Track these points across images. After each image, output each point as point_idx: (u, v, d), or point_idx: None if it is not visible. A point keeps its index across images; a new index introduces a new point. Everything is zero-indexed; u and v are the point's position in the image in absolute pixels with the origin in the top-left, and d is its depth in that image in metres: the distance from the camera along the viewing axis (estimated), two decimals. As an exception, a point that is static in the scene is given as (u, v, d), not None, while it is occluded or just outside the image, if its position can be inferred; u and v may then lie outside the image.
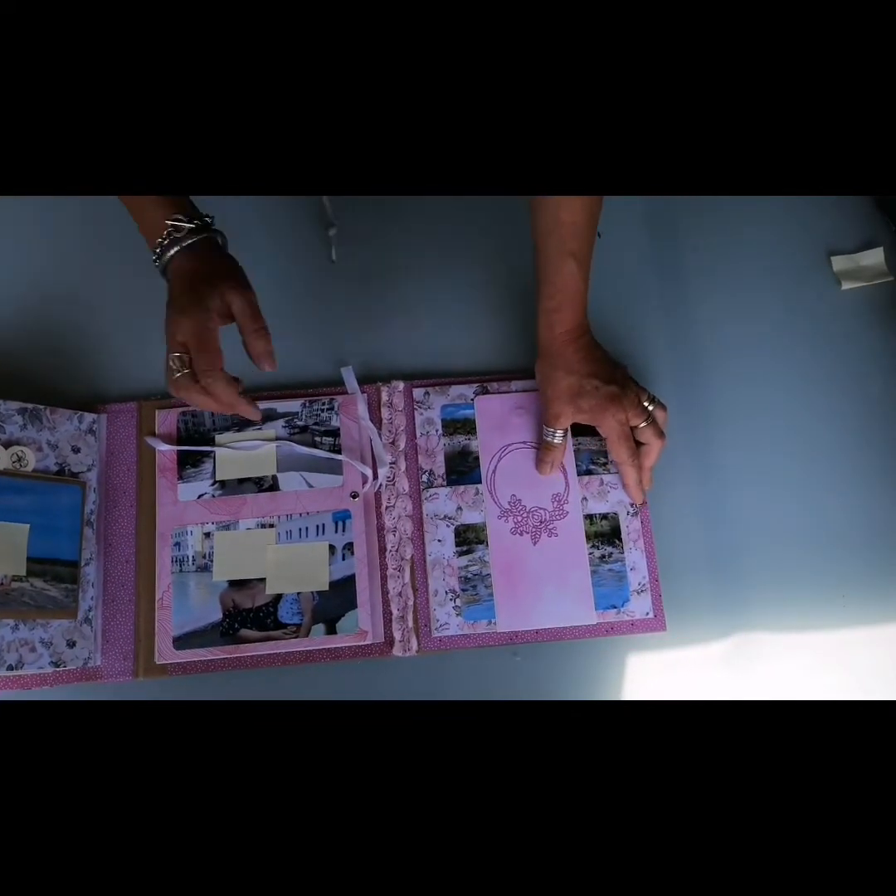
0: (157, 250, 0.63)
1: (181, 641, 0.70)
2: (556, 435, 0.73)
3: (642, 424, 0.71)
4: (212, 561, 0.72)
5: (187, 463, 0.74)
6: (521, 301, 0.82)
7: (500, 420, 0.76)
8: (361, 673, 0.71)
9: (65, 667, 0.67)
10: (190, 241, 0.63)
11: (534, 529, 0.74)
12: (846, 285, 0.84)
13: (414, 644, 0.71)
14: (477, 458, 0.76)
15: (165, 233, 0.63)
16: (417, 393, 0.77)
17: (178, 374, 0.61)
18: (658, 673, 0.72)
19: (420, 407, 0.77)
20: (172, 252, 0.63)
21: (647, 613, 0.72)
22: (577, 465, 0.76)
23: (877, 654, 0.72)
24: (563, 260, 0.67)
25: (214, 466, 0.74)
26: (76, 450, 0.72)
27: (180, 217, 0.63)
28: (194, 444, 0.74)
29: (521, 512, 0.74)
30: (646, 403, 0.71)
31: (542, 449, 0.74)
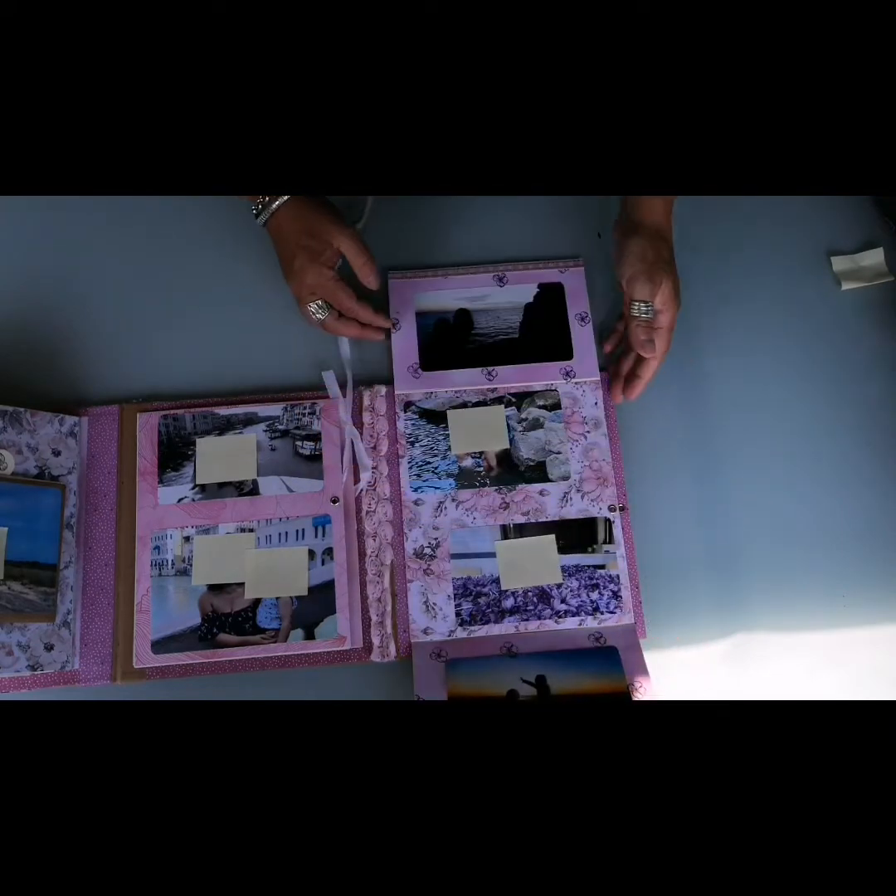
0: (259, 206, 0.72)
1: (159, 645, 0.69)
2: (645, 308, 0.70)
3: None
4: (191, 565, 0.71)
5: (168, 466, 0.74)
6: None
7: None
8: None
9: (42, 670, 0.67)
10: (287, 197, 0.71)
11: None
12: (846, 285, 0.83)
13: (392, 650, 0.70)
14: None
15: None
16: (400, 398, 0.76)
17: (326, 316, 0.74)
18: (657, 674, 0.70)
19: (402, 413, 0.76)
20: (274, 207, 0.71)
21: (629, 621, 0.70)
22: None
23: (877, 654, 0.72)
24: None
25: (195, 470, 0.74)
26: (57, 452, 0.72)
27: None
28: (175, 446, 0.74)
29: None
30: None
31: (637, 328, 0.71)
